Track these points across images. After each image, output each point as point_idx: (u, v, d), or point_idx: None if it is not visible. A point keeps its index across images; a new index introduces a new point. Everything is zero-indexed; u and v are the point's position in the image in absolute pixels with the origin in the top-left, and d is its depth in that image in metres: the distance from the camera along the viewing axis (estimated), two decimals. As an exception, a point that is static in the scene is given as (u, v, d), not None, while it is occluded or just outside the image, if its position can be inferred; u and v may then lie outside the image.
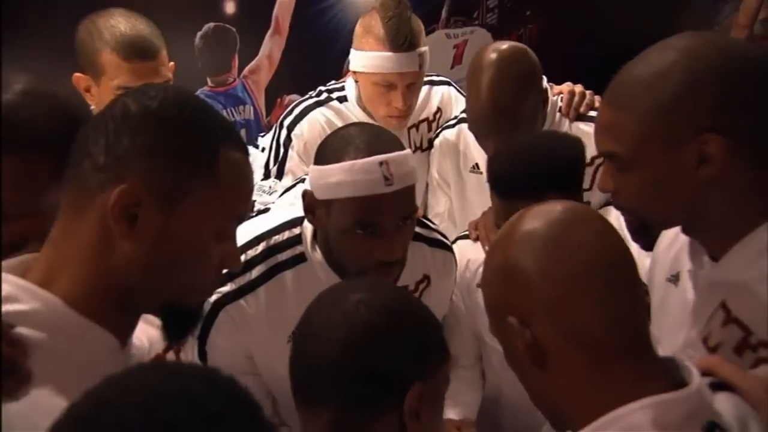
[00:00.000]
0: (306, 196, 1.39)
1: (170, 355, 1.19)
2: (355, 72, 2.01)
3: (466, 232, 1.82)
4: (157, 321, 1.11)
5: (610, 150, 1.08)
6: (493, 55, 1.77)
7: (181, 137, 0.90)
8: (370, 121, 2.03)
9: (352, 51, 2.00)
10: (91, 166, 0.88)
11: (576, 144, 1.57)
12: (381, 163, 1.29)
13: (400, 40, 1.89)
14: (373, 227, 1.32)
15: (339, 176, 1.31)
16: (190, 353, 1.32)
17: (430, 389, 0.95)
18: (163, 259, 0.90)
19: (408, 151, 1.38)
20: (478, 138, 1.85)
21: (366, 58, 1.95)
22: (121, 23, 1.75)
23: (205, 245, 0.93)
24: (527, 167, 1.49)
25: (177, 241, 0.90)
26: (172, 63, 1.85)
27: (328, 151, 1.37)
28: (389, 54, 1.90)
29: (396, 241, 1.33)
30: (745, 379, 0.91)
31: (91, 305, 0.89)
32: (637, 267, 0.91)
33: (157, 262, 0.90)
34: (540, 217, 0.91)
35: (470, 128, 1.87)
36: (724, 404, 0.88)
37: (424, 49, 1.96)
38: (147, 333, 1.10)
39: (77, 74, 1.78)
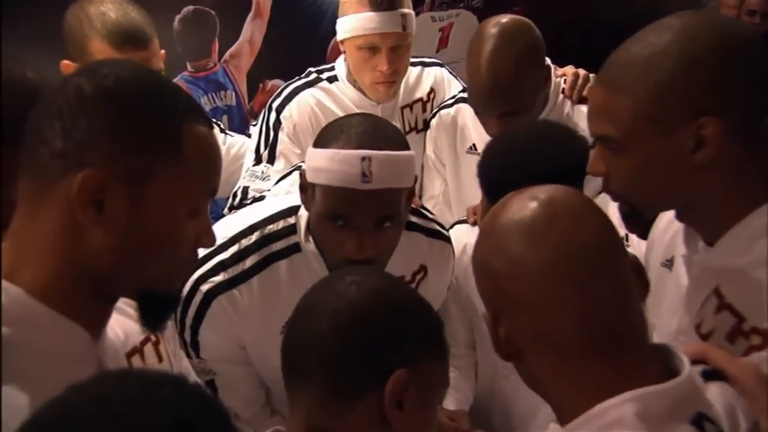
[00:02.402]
0: (301, 174, 1.38)
1: (148, 348, 1.15)
2: (341, 42, 1.98)
3: (464, 218, 1.80)
4: (133, 312, 1.08)
5: (604, 132, 1.05)
6: (495, 27, 1.75)
7: (142, 116, 0.87)
8: (362, 99, 2.01)
9: (338, 21, 1.97)
10: (48, 153, 0.85)
11: (580, 148, 1.48)
12: (363, 159, 1.27)
13: None
14: (345, 221, 1.30)
15: (321, 162, 1.30)
16: (172, 345, 1.29)
17: (417, 381, 0.93)
18: (136, 244, 0.87)
19: (406, 153, 1.34)
20: (478, 113, 1.82)
21: (349, 22, 1.92)
22: (111, 10, 1.71)
23: (178, 225, 0.90)
24: (524, 178, 1.39)
25: (149, 224, 0.87)
26: (163, 51, 1.80)
27: (324, 135, 1.35)
28: (370, 14, 1.88)
29: (367, 240, 1.31)
30: (735, 366, 0.90)
31: (59, 297, 0.85)
32: (622, 255, 0.88)
33: (130, 247, 0.87)
34: (513, 212, 0.89)
35: (470, 102, 1.84)
36: (714, 394, 0.86)
37: (407, 11, 1.93)
38: (123, 324, 1.07)
39: (65, 62, 1.73)
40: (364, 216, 1.30)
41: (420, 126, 2.14)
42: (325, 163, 1.29)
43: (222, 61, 3.16)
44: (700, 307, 1.09)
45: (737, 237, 1.04)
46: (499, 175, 1.44)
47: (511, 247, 0.86)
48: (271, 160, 1.97)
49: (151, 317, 0.95)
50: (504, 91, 1.72)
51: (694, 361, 0.88)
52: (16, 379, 0.78)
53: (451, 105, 2.08)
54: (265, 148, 1.98)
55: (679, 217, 1.13)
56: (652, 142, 1.02)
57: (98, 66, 0.90)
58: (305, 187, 1.37)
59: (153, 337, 1.15)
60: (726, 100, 0.98)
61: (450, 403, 1.66)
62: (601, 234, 0.87)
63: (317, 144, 1.34)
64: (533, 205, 0.88)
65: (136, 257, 0.88)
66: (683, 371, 0.83)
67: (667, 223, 1.23)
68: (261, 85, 3.24)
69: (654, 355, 0.87)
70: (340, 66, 2.06)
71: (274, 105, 2.01)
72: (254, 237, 1.45)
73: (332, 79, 2.05)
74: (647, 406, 0.79)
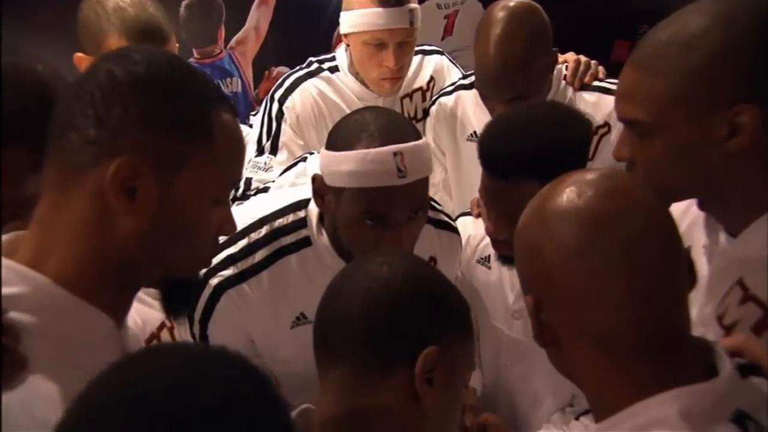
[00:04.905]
0: (315, 180, 1.36)
1: (164, 334, 1.16)
2: (345, 35, 1.96)
3: (468, 209, 1.79)
4: (149, 299, 1.08)
5: (632, 116, 1.03)
6: (504, 11, 1.73)
7: (175, 104, 0.86)
8: (364, 89, 2.00)
9: (342, 14, 1.95)
10: (79, 140, 0.84)
11: (582, 129, 1.46)
12: (395, 154, 1.25)
13: None
14: (383, 219, 1.29)
15: (350, 165, 1.27)
16: (183, 332, 1.29)
17: (448, 360, 0.94)
18: (164, 231, 0.87)
19: (424, 140, 1.33)
20: (485, 97, 1.80)
21: (355, 17, 1.90)
22: (130, 5, 1.68)
23: (204, 213, 0.90)
24: (522, 154, 1.37)
25: (177, 212, 0.87)
26: (177, 45, 1.79)
27: (340, 137, 1.32)
28: (378, 10, 1.86)
29: (405, 233, 1.30)
30: None
31: (85, 285, 0.85)
32: (682, 252, 0.84)
33: (157, 234, 0.87)
34: (573, 199, 0.83)
35: (478, 87, 1.82)
36: (754, 390, 0.84)
37: (414, 6, 1.92)
38: (140, 312, 1.07)
39: (79, 54, 1.71)
40: (402, 211, 1.29)
41: (420, 115, 2.12)
42: (356, 166, 1.26)
43: (228, 47, 3.15)
44: (722, 298, 1.07)
45: (763, 228, 1.01)
46: (500, 150, 1.41)
47: (569, 237, 0.81)
48: (274, 150, 1.95)
49: (174, 304, 0.96)
50: (513, 76, 1.70)
51: (730, 354, 0.86)
52: (44, 367, 0.78)
53: (451, 92, 2.05)
54: (268, 139, 1.97)
55: (702, 206, 1.10)
56: (684, 127, 0.99)
57: (129, 52, 0.89)
58: (322, 192, 1.35)
59: (168, 323, 1.15)
60: (765, 88, 0.96)
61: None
62: (667, 233, 0.83)
63: (336, 147, 1.31)
64: (598, 194, 0.82)
65: (163, 245, 0.88)
66: (724, 368, 0.81)
67: (682, 212, 1.21)
68: (266, 72, 3.23)
69: (695, 352, 0.83)
70: (341, 56, 2.04)
71: (276, 95, 2.00)
72: (264, 231, 1.44)
73: (333, 69, 2.03)
74: (690, 405, 0.77)
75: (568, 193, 0.84)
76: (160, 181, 0.85)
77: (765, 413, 0.81)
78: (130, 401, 0.59)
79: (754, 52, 0.96)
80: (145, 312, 1.08)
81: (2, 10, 2.25)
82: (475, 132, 1.98)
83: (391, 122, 1.32)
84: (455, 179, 2.07)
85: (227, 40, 3.16)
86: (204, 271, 1.39)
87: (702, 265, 1.12)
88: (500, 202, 1.41)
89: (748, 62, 0.96)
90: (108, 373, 0.63)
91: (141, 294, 1.05)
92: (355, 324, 0.94)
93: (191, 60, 3.09)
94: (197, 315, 1.43)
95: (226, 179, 0.93)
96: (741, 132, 0.97)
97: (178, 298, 0.95)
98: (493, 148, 1.43)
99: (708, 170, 1.01)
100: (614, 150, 1.09)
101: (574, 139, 1.39)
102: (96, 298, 0.86)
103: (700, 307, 1.10)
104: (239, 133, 0.94)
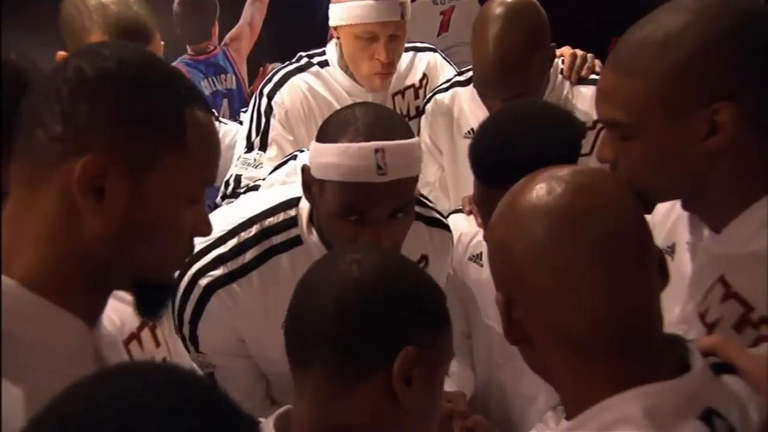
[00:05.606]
0: (304, 170, 1.34)
1: (145, 333, 1.14)
2: (335, 28, 1.95)
3: (460, 207, 1.77)
4: (128, 297, 1.06)
5: (612, 117, 1.02)
6: (501, 7, 1.72)
7: (146, 101, 0.84)
8: (353, 84, 1.99)
9: (332, 6, 1.94)
10: (46, 136, 0.81)
11: (574, 129, 1.44)
12: (376, 150, 1.23)
13: None
14: (361, 215, 1.27)
15: (331, 157, 1.25)
16: (167, 331, 1.27)
17: (426, 357, 0.91)
18: (134, 232, 0.85)
19: (415, 139, 1.32)
20: (484, 96, 1.79)
21: (346, 9, 1.90)
22: (113, 2, 1.67)
23: (176, 214, 0.88)
24: (514, 159, 1.29)
25: (148, 212, 0.85)
26: (162, 42, 1.77)
27: (329, 129, 1.31)
28: (370, 2, 1.86)
29: (385, 232, 1.28)
30: (747, 360, 0.86)
31: (53, 286, 0.83)
32: (653, 251, 0.84)
33: (127, 235, 0.84)
34: (542, 195, 0.83)
35: (476, 86, 1.80)
36: (726, 388, 0.84)
37: None
38: (118, 310, 1.05)
39: (61, 53, 1.69)
40: (381, 209, 1.27)
41: (413, 113, 2.10)
42: (336, 159, 1.24)
43: (222, 44, 3.14)
44: (704, 295, 1.06)
45: (745, 224, 1.00)
46: (491, 157, 1.39)
47: (538, 235, 0.81)
48: (263, 147, 1.94)
49: (148, 306, 0.93)
50: (512, 75, 1.68)
51: (706, 353, 0.86)
52: (10, 371, 0.76)
53: (446, 89, 2.03)
54: (257, 135, 1.95)
55: (685, 205, 1.09)
56: (663, 127, 0.97)
57: (99, 48, 0.87)
58: (309, 184, 1.33)
59: (149, 322, 1.14)
60: (743, 84, 0.94)
61: (449, 387, 1.65)
62: (637, 231, 0.83)
63: (322, 139, 1.30)
64: (568, 191, 0.82)
65: (133, 246, 0.85)
66: (694, 366, 0.81)
67: (668, 209, 1.20)
68: (261, 68, 3.22)
69: (667, 349, 0.83)
70: (331, 51, 2.03)
71: (265, 90, 1.98)
72: (254, 230, 1.42)
73: (323, 64, 2.02)
74: (656, 403, 0.76)
75: (538, 189, 0.84)
76: (131, 180, 0.82)
77: (735, 411, 0.80)
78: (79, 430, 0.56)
79: (734, 50, 0.94)
80: (123, 311, 1.05)
81: (2, 9, 2.25)
82: (472, 129, 1.96)
83: (380, 119, 1.30)
84: (452, 177, 2.05)
85: (221, 37, 3.15)
86: (193, 271, 1.39)
87: (686, 262, 1.12)
88: (491, 208, 1.40)
89: (727, 60, 0.94)
90: (60, 397, 0.59)
91: (119, 292, 1.04)
92: (328, 328, 0.92)
93: (185, 56, 3.08)
94: (187, 316, 1.41)
95: (201, 179, 0.91)
96: (720, 130, 0.95)
97: (152, 300, 0.93)
98: (483, 154, 1.42)
99: (690, 169, 1.00)
100: (597, 151, 1.08)
101: (564, 146, 1.37)
102: (65, 300, 0.83)
103: (683, 305, 1.09)
104: (214, 130, 0.92)
